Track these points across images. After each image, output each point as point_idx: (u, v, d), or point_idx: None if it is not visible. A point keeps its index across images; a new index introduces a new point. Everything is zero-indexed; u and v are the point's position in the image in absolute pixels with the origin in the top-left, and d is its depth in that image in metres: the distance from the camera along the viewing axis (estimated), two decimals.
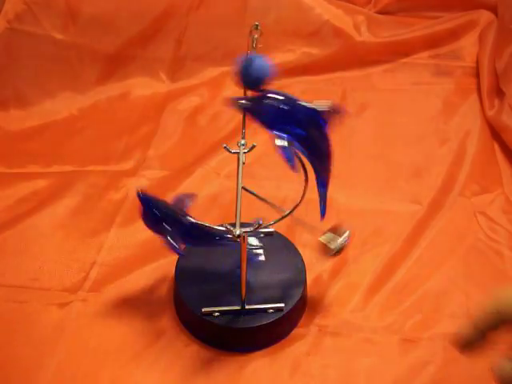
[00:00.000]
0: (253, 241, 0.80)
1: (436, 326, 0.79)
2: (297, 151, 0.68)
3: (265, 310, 0.76)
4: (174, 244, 0.71)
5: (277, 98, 0.65)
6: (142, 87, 1.13)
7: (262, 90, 0.65)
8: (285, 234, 0.85)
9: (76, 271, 0.84)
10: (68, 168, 0.99)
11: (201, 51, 1.14)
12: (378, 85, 1.17)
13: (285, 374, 0.74)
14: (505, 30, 1.14)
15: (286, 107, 0.65)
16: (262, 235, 0.83)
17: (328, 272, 0.85)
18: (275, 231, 0.84)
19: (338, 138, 1.05)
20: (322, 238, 0.78)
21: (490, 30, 1.19)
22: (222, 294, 0.77)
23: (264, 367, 0.75)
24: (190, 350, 0.76)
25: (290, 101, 0.66)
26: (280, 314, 0.76)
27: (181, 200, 0.75)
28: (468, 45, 1.22)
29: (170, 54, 1.14)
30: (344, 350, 0.77)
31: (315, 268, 0.85)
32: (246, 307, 0.75)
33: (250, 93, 0.66)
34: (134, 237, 0.89)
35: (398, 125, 1.09)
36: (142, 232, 0.88)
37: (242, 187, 0.70)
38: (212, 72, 1.15)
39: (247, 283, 0.74)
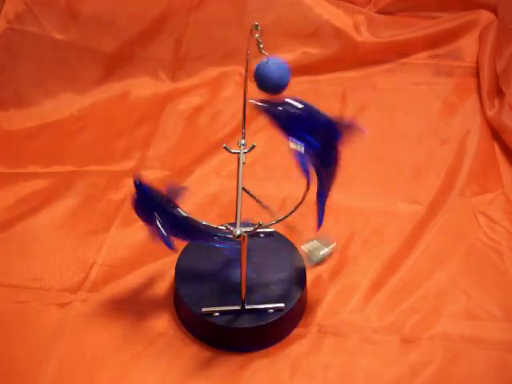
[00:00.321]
0: None
1: (436, 326, 0.79)
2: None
3: (265, 309, 0.76)
4: (164, 233, 0.71)
5: (295, 105, 0.65)
6: (142, 87, 1.13)
7: (281, 96, 0.65)
8: (285, 234, 0.85)
9: (76, 271, 0.84)
10: (68, 168, 0.99)
11: (201, 51, 1.14)
12: (378, 85, 1.17)
13: (285, 374, 0.74)
14: (505, 30, 1.14)
15: (303, 114, 0.66)
16: (262, 235, 0.83)
17: (328, 272, 0.85)
18: (275, 231, 0.84)
19: None
20: (305, 247, 0.78)
21: (490, 30, 1.19)
22: (222, 294, 0.77)
23: (264, 367, 0.75)
24: (190, 350, 0.76)
25: (308, 109, 0.66)
26: (280, 314, 0.76)
27: (174, 191, 0.74)
28: (468, 45, 1.22)
29: (170, 54, 1.14)
30: (344, 349, 0.77)
31: (315, 268, 0.85)
32: (246, 307, 0.75)
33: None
34: (134, 237, 0.89)
35: (398, 125, 1.09)
36: (142, 232, 0.88)
37: (242, 188, 0.70)
38: (212, 72, 1.15)
39: (247, 283, 0.74)
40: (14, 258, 0.86)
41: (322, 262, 0.78)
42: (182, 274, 0.79)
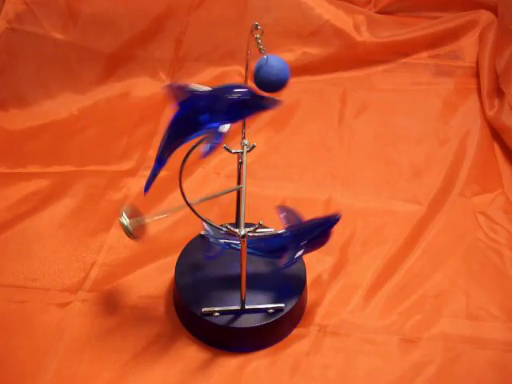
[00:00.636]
0: None
1: (436, 326, 0.79)
2: None
3: (265, 309, 0.76)
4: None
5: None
6: (142, 87, 1.13)
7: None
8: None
9: (76, 271, 0.84)
10: (68, 168, 0.99)
11: (201, 51, 1.14)
12: (378, 85, 1.17)
13: (285, 374, 0.74)
14: (505, 30, 1.14)
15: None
16: None
17: (328, 272, 0.85)
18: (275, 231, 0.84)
19: (338, 137, 1.07)
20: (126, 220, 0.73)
21: (490, 30, 1.19)
22: (222, 293, 0.77)
23: (264, 367, 0.75)
24: (190, 350, 0.76)
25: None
26: (280, 314, 0.76)
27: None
28: (468, 45, 1.22)
29: (170, 54, 1.14)
30: (344, 349, 0.77)
31: (315, 268, 0.85)
32: (246, 307, 0.75)
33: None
34: None
35: (398, 125, 1.09)
36: None
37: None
38: (212, 72, 1.15)
39: (247, 283, 0.74)
40: (14, 258, 0.86)
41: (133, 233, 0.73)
42: (182, 274, 0.79)
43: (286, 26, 1.16)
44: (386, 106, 1.13)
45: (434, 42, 1.22)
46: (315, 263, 0.85)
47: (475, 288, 0.83)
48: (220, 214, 0.91)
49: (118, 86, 1.12)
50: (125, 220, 0.71)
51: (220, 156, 1.00)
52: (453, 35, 1.23)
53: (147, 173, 0.97)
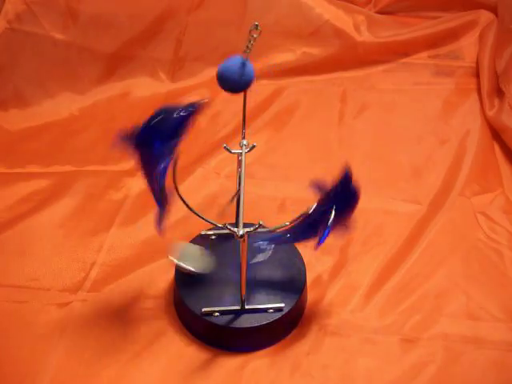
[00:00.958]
0: None
1: (436, 326, 0.79)
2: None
3: (265, 309, 0.76)
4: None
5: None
6: (142, 87, 1.13)
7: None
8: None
9: (76, 271, 0.84)
10: (68, 168, 0.99)
11: (201, 51, 1.14)
12: (378, 85, 1.17)
13: (285, 374, 0.74)
14: (505, 30, 1.14)
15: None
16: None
17: (328, 272, 0.85)
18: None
19: (337, 137, 1.07)
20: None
21: (490, 30, 1.19)
22: (222, 293, 0.77)
23: (264, 367, 0.75)
24: (190, 350, 0.76)
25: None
26: (280, 314, 0.76)
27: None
28: (468, 45, 1.22)
29: (170, 54, 1.14)
30: (344, 349, 0.77)
31: (315, 268, 0.85)
32: (246, 307, 0.75)
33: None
34: (134, 237, 0.89)
35: (398, 125, 1.09)
36: (142, 232, 0.89)
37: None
38: (212, 72, 1.12)
39: (247, 283, 0.74)
40: (14, 258, 0.86)
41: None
42: (182, 274, 0.79)
43: (286, 26, 1.16)
44: (386, 106, 1.13)
45: (434, 42, 1.22)
46: (315, 263, 0.85)
47: (475, 288, 0.83)
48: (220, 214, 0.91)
49: (118, 86, 1.12)
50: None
51: (220, 156, 1.00)
52: (453, 35, 1.23)
53: None
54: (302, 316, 0.80)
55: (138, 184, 0.96)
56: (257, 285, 0.78)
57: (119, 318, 0.79)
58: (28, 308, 0.80)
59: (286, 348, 0.77)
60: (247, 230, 0.67)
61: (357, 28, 1.18)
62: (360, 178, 0.99)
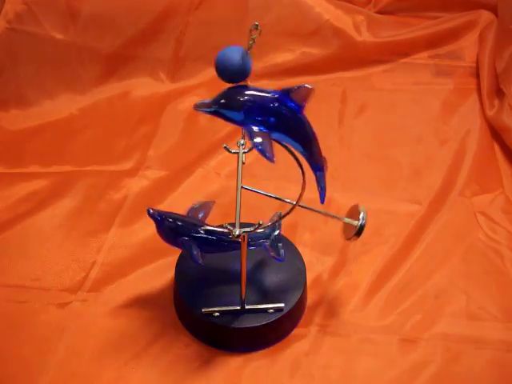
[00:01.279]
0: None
1: (436, 326, 0.79)
2: (283, 143, 0.68)
3: (265, 309, 0.76)
4: (194, 253, 0.72)
5: (242, 93, 0.66)
6: (142, 87, 1.13)
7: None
8: (285, 234, 0.85)
9: (76, 271, 0.84)
10: (68, 168, 0.99)
11: (201, 51, 1.14)
12: (378, 85, 1.17)
13: (285, 374, 0.74)
14: (505, 30, 1.14)
15: (251, 99, 0.65)
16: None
17: (328, 272, 0.85)
18: None
19: (337, 138, 1.07)
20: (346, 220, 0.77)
21: (490, 30, 1.19)
22: (222, 294, 0.77)
23: (264, 367, 0.75)
24: (190, 350, 0.76)
25: (255, 93, 0.66)
26: (280, 314, 0.76)
27: (196, 210, 0.77)
28: (468, 45, 1.22)
29: (169, 54, 1.14)
30: (344, 349, 0.77)
31: (315, 268, 0.85)
32: (246, 307, 0.75)
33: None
34: (134, 237, 0.89)
35: (398, 125, 1.09)
36: (142, 232, 0.89)
37: (242, 186, 0.70)
38: (212, 72, 1.12)
39: (247, 283, 0.74)
40: (14, 258, 0.86)
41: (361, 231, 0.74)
42: (182, 274, 0.79)
43: (286, 26, 1.16)
44: (386, 105, 1.13)
45: (434, 42, 1.22)
46: (315, 263, 0.85)
47: (475, 288, 0.83)
48: (220, 214, 0.91)
49: (117, 86, 1.12)
50: None
51: (220, 156, 1.00)
52: (453, 35, 1.23)
53: (147, 173, 0.99)
54: (301, 316, 0.80)
55: (138, 184, 0.96)
56: (257, 285, 0.78)
57: (119, 318, 0.79)
58: (28, 308, 0.80)
59: (286, 348, 0.77)
60: (244, 230, 0.66)
61: (357, 28, 1.18)
62: (360, 178, 1.00)
